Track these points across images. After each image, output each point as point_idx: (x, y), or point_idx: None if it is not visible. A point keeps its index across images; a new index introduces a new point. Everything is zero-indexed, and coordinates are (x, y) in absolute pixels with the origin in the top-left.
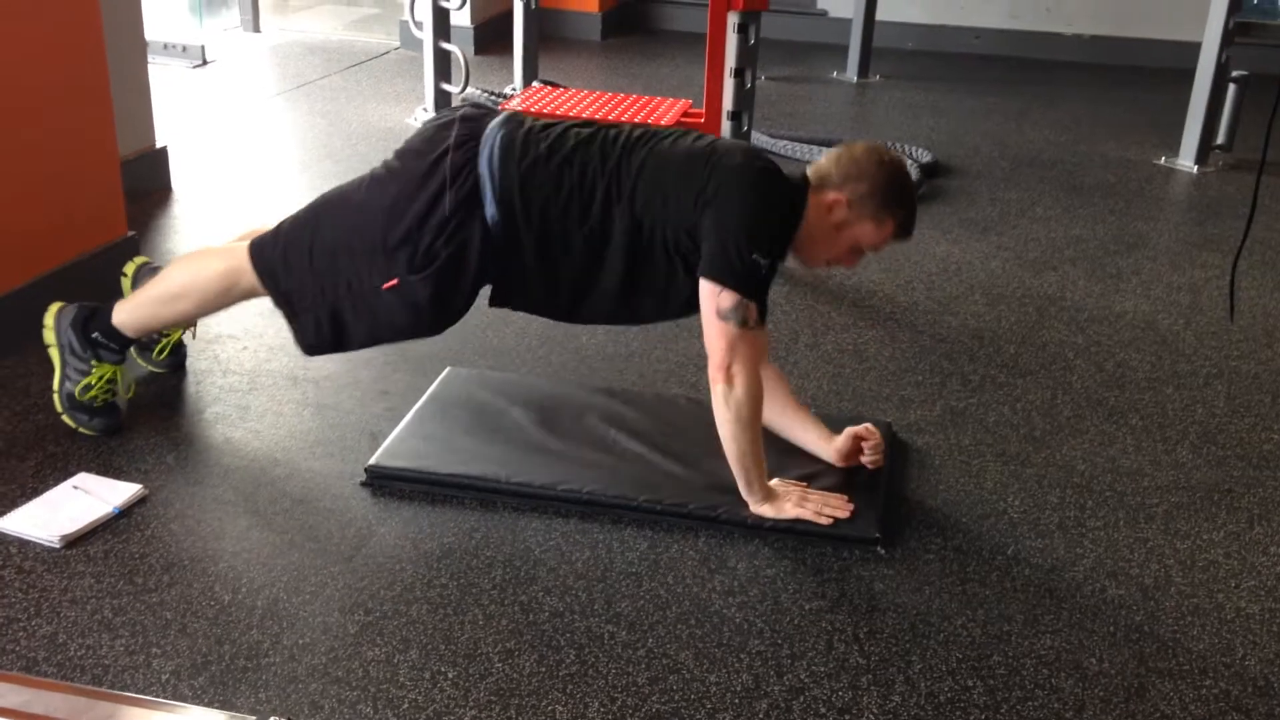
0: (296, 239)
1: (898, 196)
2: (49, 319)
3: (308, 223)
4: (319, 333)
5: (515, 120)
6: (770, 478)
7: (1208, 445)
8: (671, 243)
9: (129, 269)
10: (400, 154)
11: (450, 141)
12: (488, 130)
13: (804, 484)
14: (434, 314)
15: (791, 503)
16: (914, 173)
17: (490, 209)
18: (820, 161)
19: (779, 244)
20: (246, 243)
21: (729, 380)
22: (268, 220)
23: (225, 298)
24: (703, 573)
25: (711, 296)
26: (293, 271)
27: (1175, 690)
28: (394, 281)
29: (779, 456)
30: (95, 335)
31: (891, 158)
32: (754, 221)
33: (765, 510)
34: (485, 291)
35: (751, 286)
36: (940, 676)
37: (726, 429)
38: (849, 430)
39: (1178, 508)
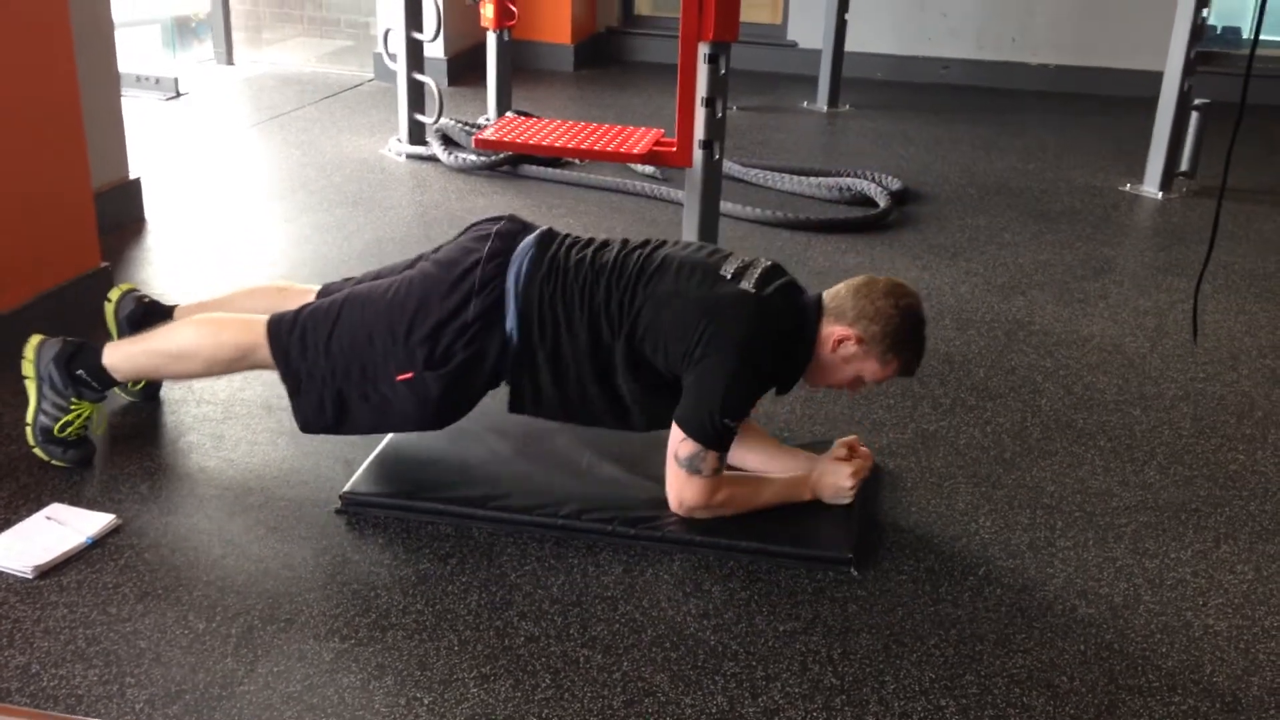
0: (316, 325)
1: (908, 340)
2: (29, 351)
3: (330, 312)
4: (320, 413)
5: (547, 239)
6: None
7: (1175, 465)
8: (667, 375)
9: (114, 295)
10: (435, 261)
11: (483, 254)
12: (520, 248)
13: (847, 444)
14: (440, 411)
15: (848, 486)
16: (883, 201)
17: (510, 322)
18: (840, 291)
19: (785, 375)
20: (265, 319)
21: (687, 514)
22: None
23: (233, 366)
24: (678, 596)
25: (675, 440)
26: (307, 353)
27: (1145, 707)
28: (409, 375)
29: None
30: (80, 373)
31: (909, 301)
32: (733, 392)
33: (831, 500)
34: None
35: (717, 444)
36: (913, 696)
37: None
38: (839, 442)
39: (1146, 527)
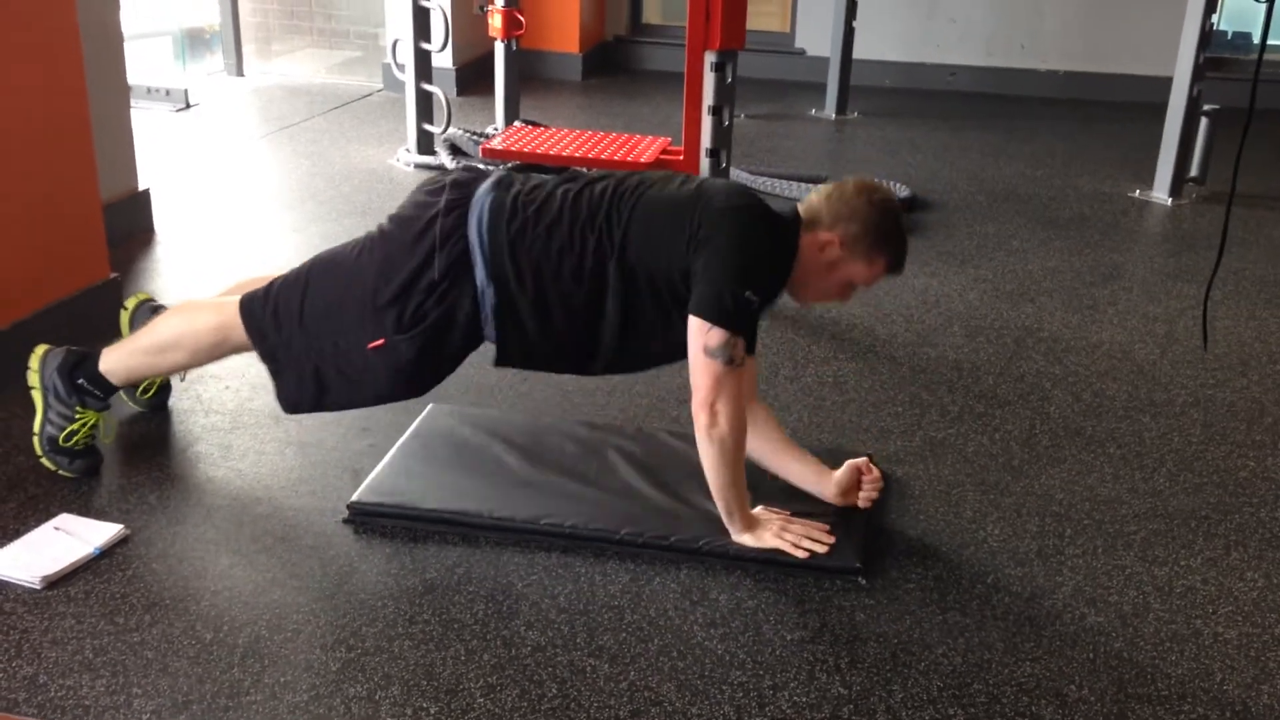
0: (287, 298)
1: (889, 235)
2: (34, 361)
3: (298, 282)
4: (301, 389)
5: (504, 183)
6: (755, 505)
7: (1184, 473)
8: (666, 289)
9: (130, 304)
10: (393, 219)
11: (440, 207)
12: (476, 195)
13: (785, 513)
14: (415, 375)
15: (771, 532)
16: None
17: (480, 275)
18: (811, 199)
19: (773, 282)
20: (238, 298)
21: (713, 416)
22: (255, 268)
23: (217, 351)
24: (684, 605)
25: (699, 333)
26: (281, 329)
27: (1154, 716)
28: (380, 341)
29: (768, 493)
30: (81, 381)
31: (883, 196)
32: (745, 259)
33: (746, 539)
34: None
35: (741, 323)
36: (921, 705)
37: (710, 462)
38: (849, 463)
39: (1155, 535)
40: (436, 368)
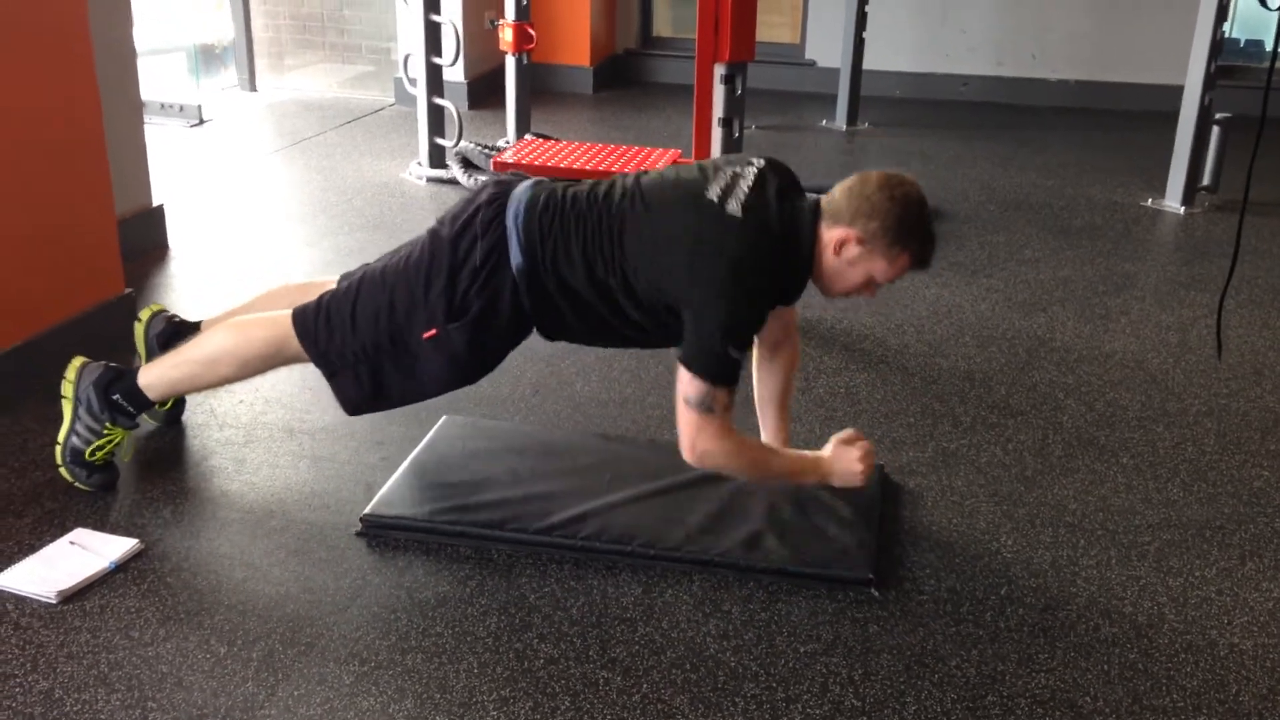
0: (338, 306)
1: (911, 230)
2: (71, 372)
3: (349, 292)
4: (359, 388)
5: (543, 183)
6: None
7: (1198, 483)
8: (663, 306)
9: (144, 315)
10: (440, 219)
11: (482, 200)
12: (517, 190)
13: (847, 433)
14: (471, 363)
15: (858, 470)
16: None
17: (516, 258)
18: (834, 192)
19: (787, 291)
20: (289, 312)
21: (698, 459)
22: (271, 281)
23: (267, 364)
24: (697, 617)
25: (682, 381)
26: (334, 333)
27: None
28: (433, 331)
29: None
30: (116, 397)
31: (905, 190)
32: (733, 321)
33: (838, 484)
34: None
35: (723, 378)
36: (935, 718)
37: (735, 477)
38: (836, 436)
39: (1170, 545)
40: (490, 353)
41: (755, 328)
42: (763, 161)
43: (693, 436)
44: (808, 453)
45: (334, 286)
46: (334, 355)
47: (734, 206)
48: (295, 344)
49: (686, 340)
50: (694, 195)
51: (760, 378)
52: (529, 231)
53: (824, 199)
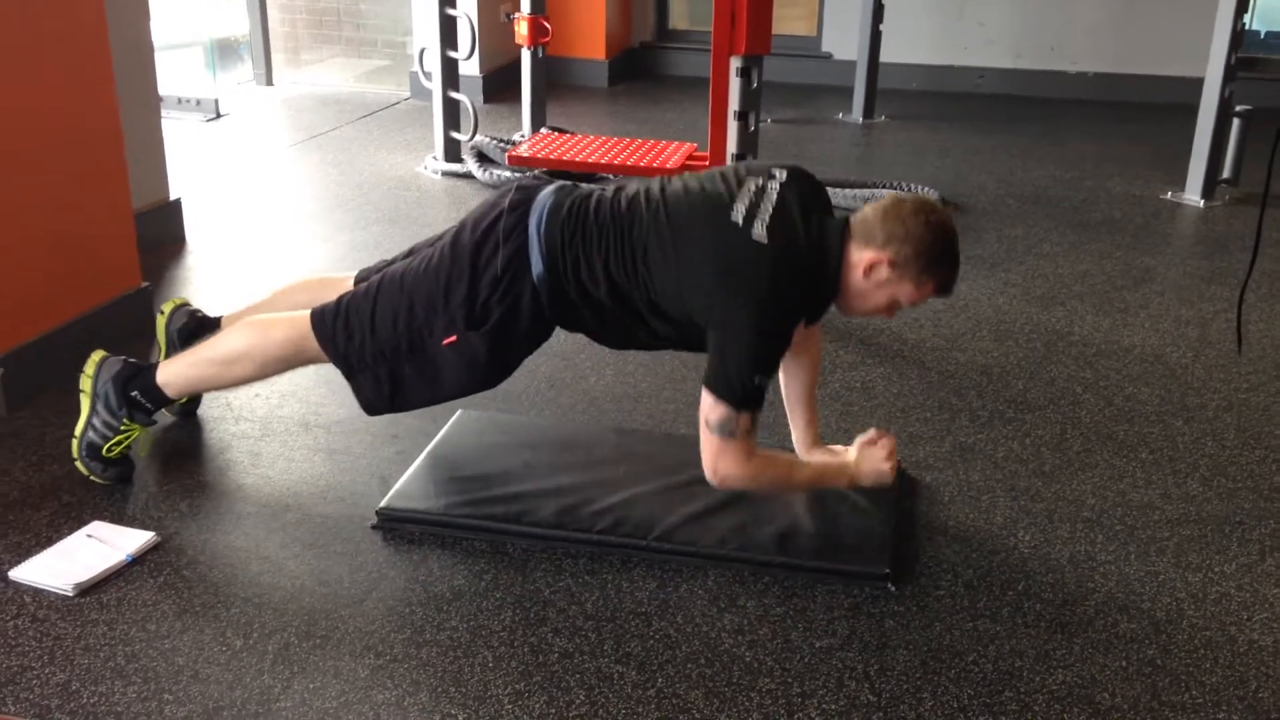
0: (358, 308)
1: (941, 258)
2: (90, 366)
3: (368, 295)
4: (378, 390)
5: (565, 189)
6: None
7: (1218, 478)
8: (689, 321)
9: (166, 308)
10: (462, 222)
11: (504, 207)
12: (539, 197)
13: (870, 434)
14: (491, 368)
15: (886, 470)
16: None
17: (537, 266)
18: (866, 213)
19: (810, 313)
20: (308, 313)
21: (720, 481)
22: (288, 275)
23: (286, 364)
24: (712, 611)
25: (705, 404)
26: (353, 335)
27: None
28: (453, 338)
29: None
30: (134, 394)
31: (940, 218)
32: (758, 349)
33: (869, 485)
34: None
35: (746, 403)
36: (952, 714)
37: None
38: (859, 440)
39: (1189, 541)
40: (510, 358)
41: (781, 353)
42: (785, 173)
43: (715, 460)
44: (832, 460)
45: (352, 285)
46: (353, 357)
47: (759, 231)
48: (314, 345)
49: (710, 363)
50: (718, 216)
51: (787, 380)
52: (550, 239)
53: (854, 218)
